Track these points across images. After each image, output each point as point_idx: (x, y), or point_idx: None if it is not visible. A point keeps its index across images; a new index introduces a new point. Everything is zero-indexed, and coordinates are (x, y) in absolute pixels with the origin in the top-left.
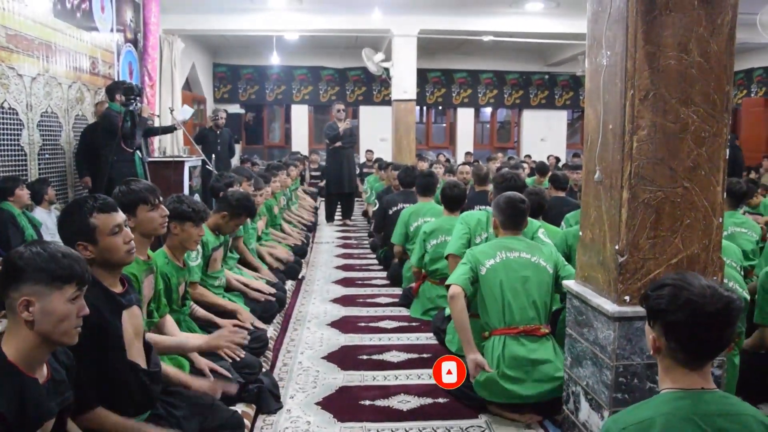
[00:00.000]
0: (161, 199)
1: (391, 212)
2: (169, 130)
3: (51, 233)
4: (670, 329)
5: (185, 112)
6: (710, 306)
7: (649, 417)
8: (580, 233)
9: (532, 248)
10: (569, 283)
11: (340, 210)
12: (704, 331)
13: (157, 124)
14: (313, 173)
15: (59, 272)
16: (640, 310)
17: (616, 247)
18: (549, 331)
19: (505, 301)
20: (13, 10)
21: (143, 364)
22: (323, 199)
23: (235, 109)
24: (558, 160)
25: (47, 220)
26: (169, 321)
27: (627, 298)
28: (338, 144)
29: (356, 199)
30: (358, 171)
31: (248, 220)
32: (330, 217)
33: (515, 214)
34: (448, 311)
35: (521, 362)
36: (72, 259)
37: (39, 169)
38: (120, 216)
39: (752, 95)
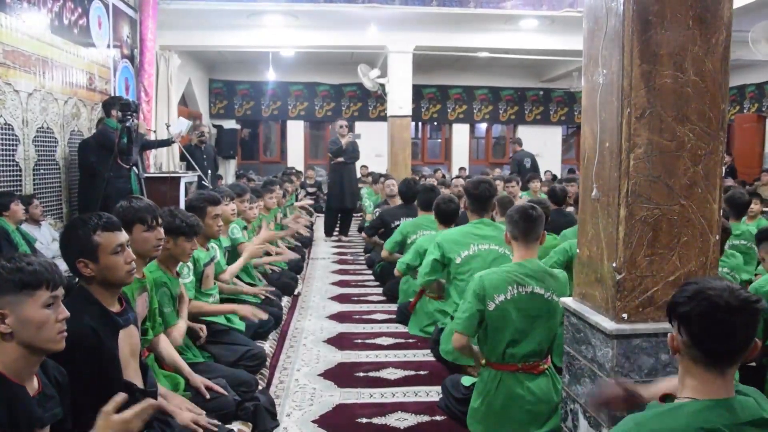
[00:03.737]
0: (160, 221)
1: (393, 226)
2: (166, 143)
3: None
4: (683, 321)
5: (181, 125)
6: (724, 300)
7: (677, 428)
8: (578, 250)
9: (547, 279)
10: (567, 300)
11: (338, 225)
12: (716, 325)
13: (153, 138)
14: (309, 189)
15: (26, 279)
16: (638, 327)
17: (614, 265)
18: (548, 365)
19: (509, 342)
20: (11, 27)
21: (140, 384)
22: (318, 214)
23: (231, 124)
24: (555, 177)
25: (38, 236)
26: (164, 340)
27: (625, 315)
28: (340, 159)
29: (354, 215)
30: None
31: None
32: (329, 232)
33: (524, 222)
34: (440, 324)
35: (517, 401)
36: (39, 265)
37: (34, 184)
38: (123, 236)
39: (745, 111)
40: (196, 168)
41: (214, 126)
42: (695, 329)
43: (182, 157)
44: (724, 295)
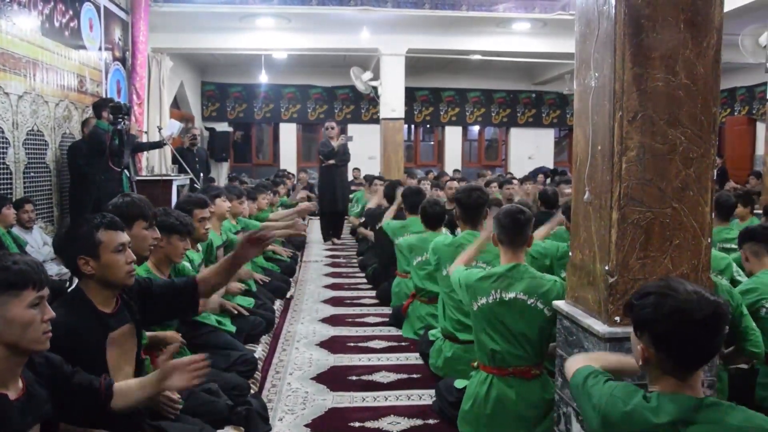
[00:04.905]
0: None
1: (378, 227)
2: (158, 145)
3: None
4: (658, 339)
5: (172, 126)
6: (698, 313)
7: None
8: (570, 254)
9: (534, 286)
10: (559, 304)
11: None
12: (693, 339)
13: (144, 140)
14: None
15: (12, 279)
16: (630, 330)
17: (606, 268)
18: (540, 371)
19: (494, 345)
20: (1, 29)
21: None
22: (311, 217)
23: (223, 127)
24: (546, 176)
25: (30, 239)
26: None
27: (617, 318)
28: (332, 162)
29: (346, 217)
30: None
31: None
32: (326, 236)
33: (513, 226)
34: (430, 335)
35: (507, 405)
36: (24, 264)
37: (24, 187)
38: (125, 236)
39: (736, 114)
40: (188, 171)
41: (207, 129)
42: (672, 346)
43: (174, 160)
44: (696, 307)
